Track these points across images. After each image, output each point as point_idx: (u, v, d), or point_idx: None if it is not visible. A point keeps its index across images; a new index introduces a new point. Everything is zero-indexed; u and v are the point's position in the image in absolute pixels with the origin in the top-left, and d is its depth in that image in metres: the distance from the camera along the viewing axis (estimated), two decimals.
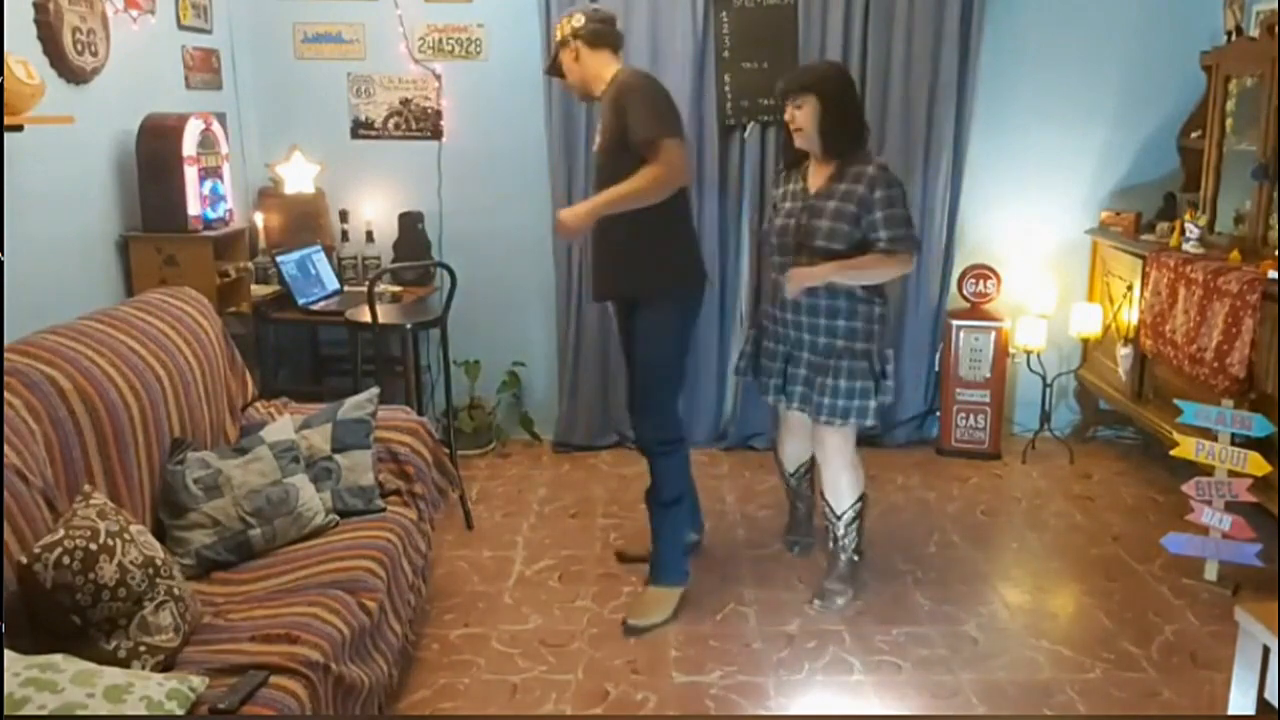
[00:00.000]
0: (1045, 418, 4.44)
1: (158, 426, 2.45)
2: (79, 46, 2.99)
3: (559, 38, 2.97)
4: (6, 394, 2.06)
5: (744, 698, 2.65)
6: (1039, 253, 4.49)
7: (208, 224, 3.38)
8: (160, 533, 2.35)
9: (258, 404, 3.09)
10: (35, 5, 2.83)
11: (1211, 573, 3.21)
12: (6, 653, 1.61)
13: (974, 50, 4.14)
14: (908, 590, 3.21)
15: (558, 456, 4.41)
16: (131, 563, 1.92)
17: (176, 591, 2.01)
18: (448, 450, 3.26)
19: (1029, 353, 4.36)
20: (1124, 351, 4.07)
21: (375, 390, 2.93)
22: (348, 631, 2.13)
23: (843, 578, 3.14)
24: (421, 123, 4.35)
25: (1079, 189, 4.44)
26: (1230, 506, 3.12)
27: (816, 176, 2.97)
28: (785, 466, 3.43)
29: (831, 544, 3.17)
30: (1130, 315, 4.02)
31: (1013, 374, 4.48)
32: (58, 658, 1.64)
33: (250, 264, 3.68)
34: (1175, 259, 3.64)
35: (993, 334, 4.29)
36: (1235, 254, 3.46)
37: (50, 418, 2.14)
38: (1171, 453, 3.31)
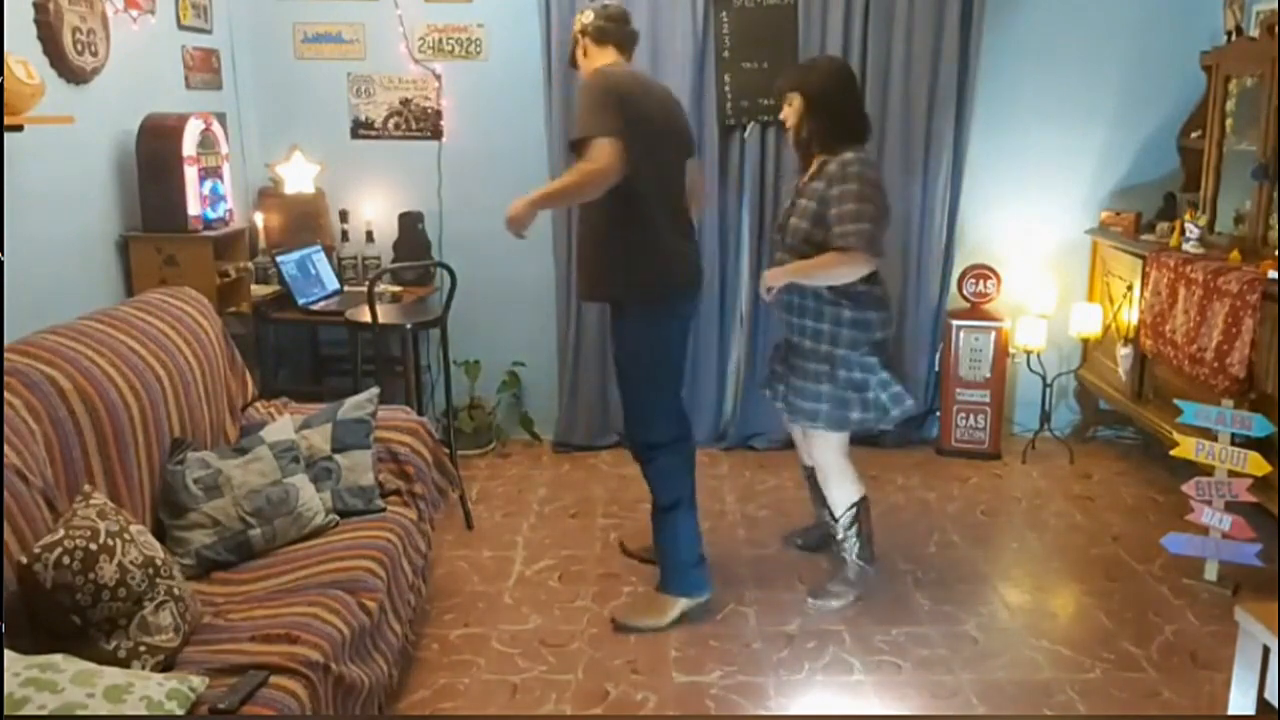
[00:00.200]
0: (1045, 418, 4.44)
1: (158, 426, 2.45)
2: (79, 46, 2.99)
3: (573, 32, 3.00)
4: (6, 394, 2.06)
5: (744, 698, 2.65)
6: (1039, 253, 4.49)
7: (208, 224, 3.38)
8: (160, 533, 2.35)
9: (258, 404, 3.09)
10: (35, 5, 2.83)
11: (1211, 573, 3.20)
12: (6, 653, 1.61)
13: (974, 50, 4.14)
14: (908, 590, 3.21)
15: (558, 456, 4.41)
16: (131, 563, 1.92)
17: (176, 591, 2.01)
18: (448, 450, 3.26)
19: (1029, 353, 4.36)
20: (1124, 351, 4.07)
21: (375, 390, 2.93)
22: (348, 631, 2.13)
23: (844, 580, 3.13)
24: (421, 123, 4.35)
25: (1079, 189, 4.44)
26: (1230, 506, 3.12)
27: (805, 174, 2.99)
28: (802, 461, 3.39)
29: (834, 546, 3.17)
30: (1130, 315, 4.02)
31: (1013, 374, 4.48)
32: (58, 658, 1.64)
33: (250, 264, 3.68)
34: (1175, 259, 3.64)
35: (993, 334, 4.29)
36: (1235, 254, 3.46)
37: (50, 418, 2.14)
38: (1171, 453, 3.31)
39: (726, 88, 4.17)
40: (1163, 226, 4.01)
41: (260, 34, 4.24)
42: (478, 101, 4.31)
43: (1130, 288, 4.03)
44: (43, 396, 2.14)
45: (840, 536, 3.11)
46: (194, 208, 3.30)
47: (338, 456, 2.73)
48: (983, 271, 4.33)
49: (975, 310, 4.35)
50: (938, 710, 2.61)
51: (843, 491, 3.07)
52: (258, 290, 3.73)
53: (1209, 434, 3.18)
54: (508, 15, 4.22)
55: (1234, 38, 3.87)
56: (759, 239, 4.30)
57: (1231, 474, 3.12)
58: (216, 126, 3.49)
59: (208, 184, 3.40)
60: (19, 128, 2.54)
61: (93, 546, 1.86)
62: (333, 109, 4.33)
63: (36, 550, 1.82)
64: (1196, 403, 3.19)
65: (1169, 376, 3.76)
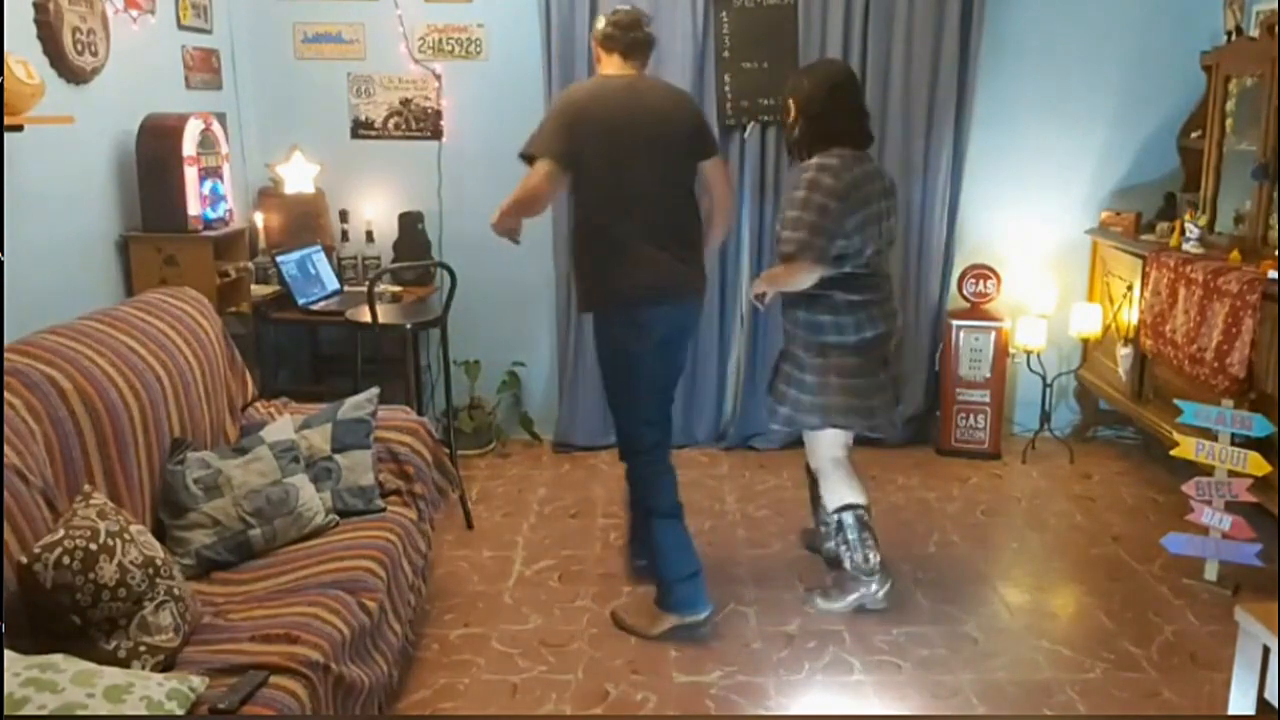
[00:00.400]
0: (1045, 418, 4.44)
1: (158, 426, 2.45)
2: (79, 46, 2.99)
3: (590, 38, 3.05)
4: (6, 394, 2.06)
5: (744, 698, 2.65)
6: (1039, 253, 4.49)
7: (208, 224, 3.38)
8: (160, 533, 2.35)
9: (258, 404, 3.09)
10: (35, 5, 2.83)
11: (1211, 573, 3.20)
12: (6, 653, 1.61)
13: (974, 50, 4.14)
14: (908, 590, 3.21)
15: (558, 456, 4.41)
16: (131, 563, 1.92)
17: (176, 591, 2.01)
18: (448, 450, 3.26)
19: (1029, 353, 4.36)
20: (1124, 351, 4.07)
21: (375, 390, 2.93)
22: (348, 631, 2.13)
23: (837, 582, 3.11)
24: (421, 123, 4.35)
25: (1079, 189, 4.44)
26: (1230, 506, 3.12)
27: None
28: (806, 460, 3.35)
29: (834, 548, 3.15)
30: (1130, 315, 4.02)
31: (1013, 374, 4.48)
32: (58, 658, 1.64)
33: (250, 264, 3.68)
34: (1175, 259, 3.64)
35: (993, 334, 4.29)
36: (1235, 254, 3.46)
37: (50, 418, 2.13)
38: (1171, 453, 3.31)
39: (726, 88, 4.17)
40: (1163, 226, 4.01)
41: (260, 34, 4.24)
42: (478, 101, 4.31)
43: (1130, 288, 4.03)
44: (43, 396, 2.14)
45: (830, 541, 3.10)
46: (194, 208, 3.30)
47: (338, 456, 2.73)
48: (983, 271, 4.33)
49: (975, 310, 4.35)
50: (938, 710, 2.61)
51: (831, 494, 3.05)
52: (258, 290, 3.73)
53: (1209, 434, 3.18)
54: (508, 15, 4.23)
55: (1234, 38, 3.87)
56: (759, 239, 4.30)
57: (1231, 474, 3.12)
58: (216, 126, 3.49)
59: (208, 184, 3.40)
60: (19, 128, 2.54)
61: (93, 546, 1.86)
62: (333, 109, 4.33)
63: (36, 550, 1.82)
64: (1196, 403, 3.19)
65: (1169, 376, 3.76)
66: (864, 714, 2.59)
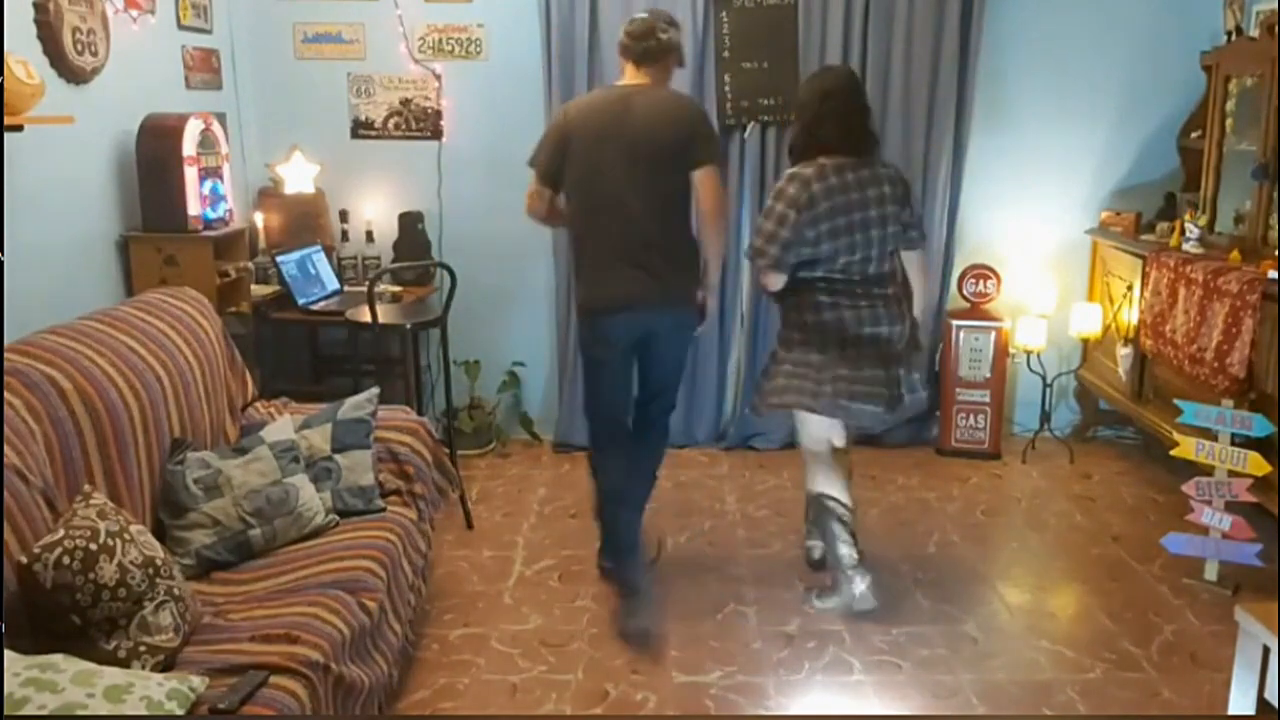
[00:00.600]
0: (1045, 418, 4.44)
1: (158, 426, 2.45)
2: (79, 46, 2.99)
3: None
4: (6, 394, 2.06)
5: (744, 698, 2.65)
6: (1039, 253, 4.49)
7: (208, 224, 3.38)
8: (160, 533, 2.35)
9: (258, 404, 3.09)
10: (35, 5, 2.83)
11: (1211, 573, 3.20)
12: (6, 653, 1.61)
13: (974, 50, 4.14)
14: (908, 590, 3.21)
15: (558, 456, 4.41)
16: (131, 563, 1.92)
17: (176, 591, 2.01)
18: (448, 450, 3.26)
19: (1029, 353, 4.36)
20: (1124, 351, 4.07)
21: (375, 390, 2.93)
22: (348, 631, 2.13)
23: (835, 582, 3.09)
24: (421, 123, 4.35)
25: (1079, 189, 4.44)
26: (1230, 506, 3.12)
27: None
28: None
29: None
30: (1130, 315, 4.02)
31: (1013, 374, 4.48)
32: (58, 658, 1.64)
33: (250, 264, 3.68)
34: (1175, 259, 3.64)
35: (993, 334, 4.30)
36: (1235, 254, 3.46)
37: (50, 418, 2.13)
38: (1171, 453, 3.31)
39: (726, 88, 4.17)
40: (1163, 226, 4.01)
41: (260, 34, 4.24)
42: (478, 101, 4.31)
43: (1130, 288, 4.03)
44: (43, 396, 2.14)
45: (808, 524, 3.22)
46: (194, 208, 3.30)
47: (338, 456, 2.73)
48: (983, 271, 4.33)
49: (975, 310, 4.35)
50: (938, 710, 2.61)
51: (809, 480, 3.13)
52: (258, 290, 3.72)
53: (1209, 434, 3.18)
54: (508, 15, 4.22)
55: (1234, 38, 3.87)
56: None
57: (1231, 474, 3.12)
58: (216, 126, 3.48)
59: (208, 184, 3.40)
60: (19, 128, 2.54)
61: (93, 546, 1.86)
62: (333, 109, 4.33)
63: (36, 550, 1.82)
64: (1196, 403, 3.19)
65: (1169, 376, 3.76)
66: (864, 714, 2.59)
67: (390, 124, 4.36)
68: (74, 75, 3.00)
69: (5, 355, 2.16)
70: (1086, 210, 4.45)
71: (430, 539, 2.93)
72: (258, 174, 4.27)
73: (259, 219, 4.13)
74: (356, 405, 2.85)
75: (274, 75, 4.28)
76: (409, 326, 3.54)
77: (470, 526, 3.66)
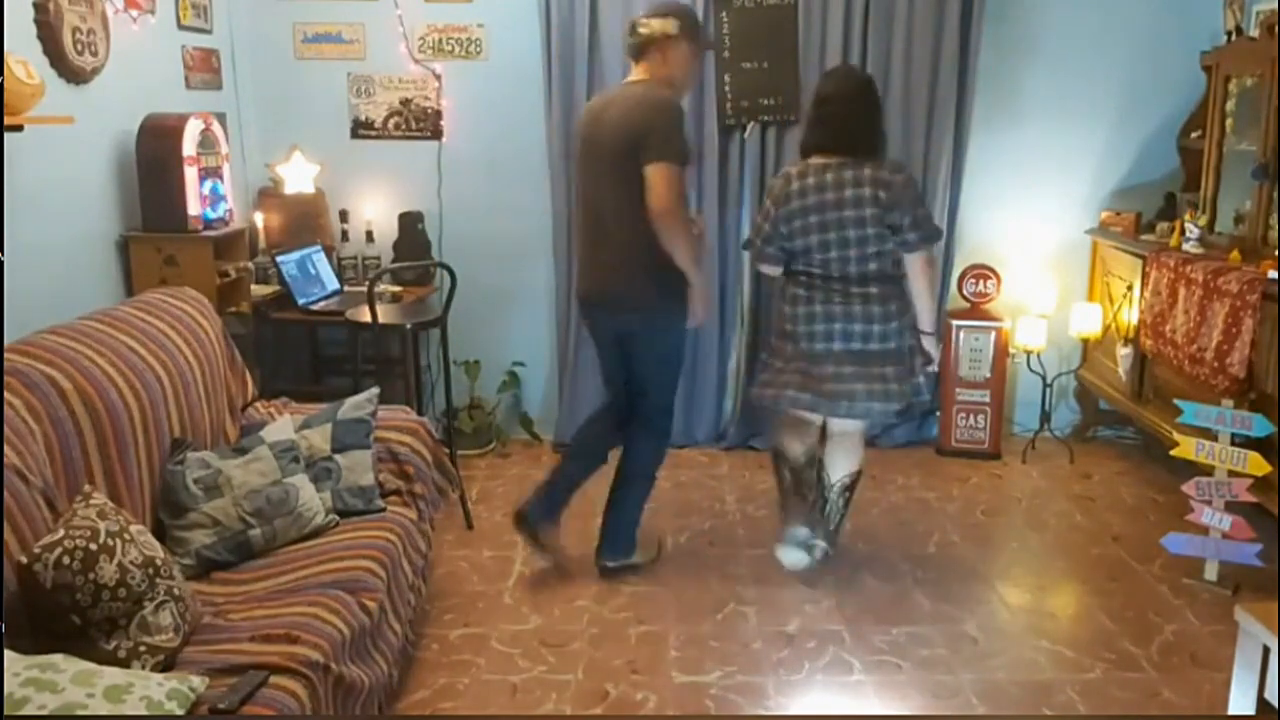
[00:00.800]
0: (1045, 418, 4.44)
1: (158, 426, 2.45)
2: (79, 46, 2.99)
3: None
4: (6, 394, 2.06)
5: (744, 698, 2.65)
6: (1039, 253, 4.49)
7: (208, 224, 3.38)
8: (160, 533, 2.35)
9: (258, 404, 3.09)
10: (35, 5, 2.83)
11: (1211, 573, 3.20)
12: (6, 653, 1.61)
13: (974, 50, 4.14)
14: (908, 590, 3.21)
15: (558, 456, 4.40)
16: (131, 563, 1.92)
17: (176, 591, 2.01)
18: (448, 450, 3.26)
19: (1029, 353, 4.36)
20: (1124, 351, 4.07)
21: (375, 390, 2.93)
22: (348, 631, 2.13)
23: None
24: (421, 123, 4.35)
25: (1079, 189, 4.44)
26: (1230, 506, 3.12)
27: None
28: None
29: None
30: (1130, 315, 4.02)
31: (1013, 374, 4.48)
32: (58, 658, 1.64)
33: (250, 264, 3.68)
34: (1175, 259, 3.64)
35: (993, 334, 4.30)
36: (1235, 254, 3.46)
37: (50, 418, 2.13)
38: (1171, 453, 3.31)
39: (726, 88, 4.17)
40: (1163, 226, 4.01)
41: (260, 34, 4.24)
42: (478, 101, 4.31)
43: (1130, 288, 4.03)
44: (43, 396, 2.14)
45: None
46: (194, 208, 3.30)
47: (338, 456, 2.73)
48: (983, 271, 4.33)
49: (975, 310, 4.35)
50: (938, 710, 2.61)
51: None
52: (258, 290, 3.72)
53: (1209, 434, 3.18)
54: (508, 15, 4.22)
55: (1234, 38, 3.87)
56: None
57: (1231, 474, 3.12)
58: (216, 126, 3.49)
59: (208, 184, 3.40)
60: (19, 128, 2.54)
61: (93, 546, 1.86)
62: (333, 109, 4.33)
63: (36, 550, 1.82)
64: (1196, 403, 3.19)
65: (1169, 376, 3.76)
66: (864, 714, 2.59)
67: (390, 124, 4.36)
68: (74, 75, 3.00)
69: (5, 355, 2.16)
70: (1086, 210, 4.45)
71: (430, 539, 2.93)
72: (258, 174, 4.27)
73: (259, 219, 4.13)
74: (356, 405, 2.85)
75: (274, 75, 4.28)
76: (409, 326, 3.54)
77: (470, 526, 3.66)
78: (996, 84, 4.28)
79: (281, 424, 2.76)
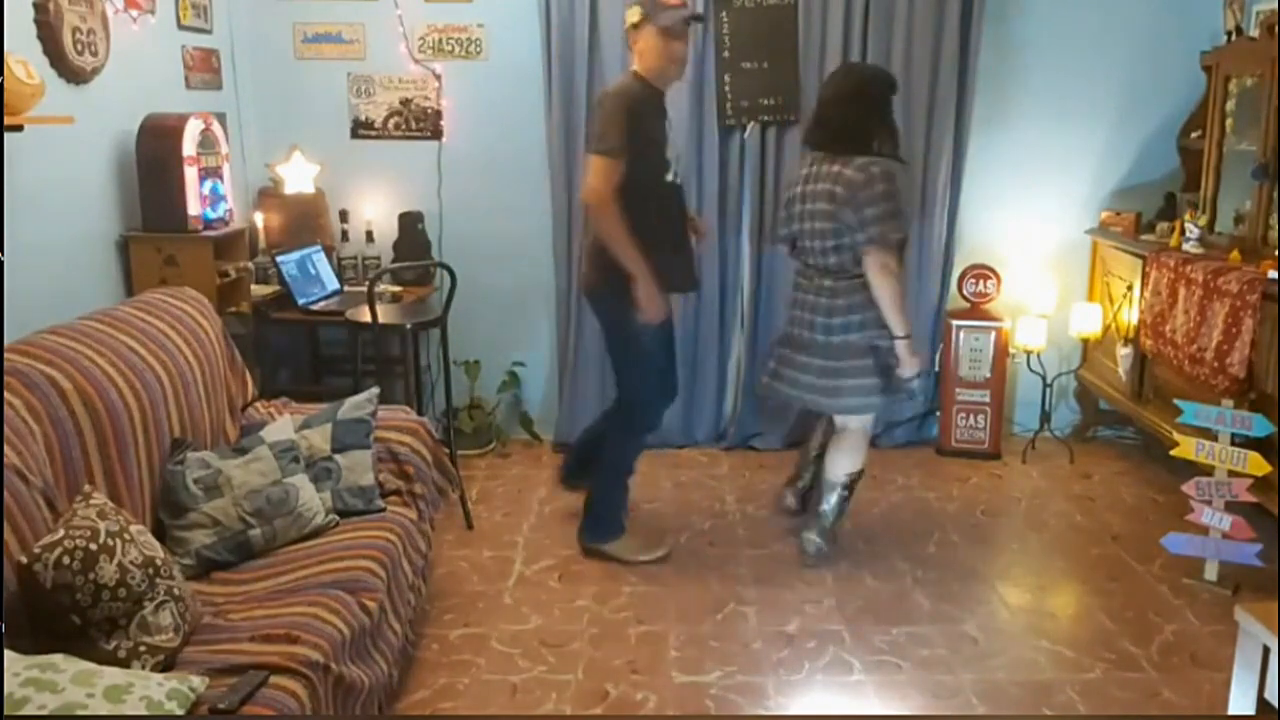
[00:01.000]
0: (1045, 418, 4.44)
1: (158, 426, 2.45)
2: (79, 46, 2.99)
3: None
4: (6, 394, 2.06)
5: (744, 698, 2.65)
6: (1039, 253, 4.49)
7: (208, 224, 3.38)
8: (160, 533, 2.35)
9: (258, 404, 3.09)
10: (35, 5, 2.83)
11: (1211, 573, 3.20)
12: (6, 653, 1.61)
13: (974, 50, 4.14)
14: (908, 590, 3.21)
15: (558, 456, 4.40)
16: (131, 563, 1.92)
17: (176, 591, 2.01)
18: (448, 450, 3.26)
19: (1029, 353, 4.36)
20: (1124, 351, 4.07)
21: (375, 390, 2.93)
22: (348, 631, 2.13)
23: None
24: (421, 123, 4.35)
25: (1079, 189, 4.44)
26: (1230, 506, 3.12)
27: None
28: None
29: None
30: (1130, 315, 4.02)
31: (1013, 374, 4.48)
32: (58, 658, 1.64)
33: (250, 264, 3.68)
34: (1175, 259, 3.64)
35: (993, 334, 4.29)
36: (1235, 254, 3.46)
37: (50, 418, 2.13)
38: (1171, 453, 3.31)
39: (726, 88, 4.17)
40: (1163, 226, 4.01)
41: (260, 34, 4.24)
42: (478, 101, 4.31)
43: (1130, 288, 4.03)
44: (43, 396, 2.14)
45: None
46: (194, 208, 3.30)
47: (338, 456, 2.73)
48: (983, 271, 4.33)
49: (975, 310, 4.35)
50: (938, 710, 2.61)
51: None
52: (258, 290, 3.72)
53: (1209, 434, 3.18)
54: (508, 15, 4.22)
55: (1234, 38, 3.87)
56: (759, 239, 4.30)
57: (1231, 474, 3.12)
58: (216, 126, 3.48)
59: (208, 184, 3.40)
60: (19, 128, 2.54)
61: (93, 546, 1.86)
62: (333, 109, 4.33)
63: (36, 550, 1.82)
64: (1196, 403, 3.19)
65: (1169, 376, 3.76)
66: (864, 714, 2.59)
67: (390, 124, 4.36)
68: (74, 75, 3.00)
69: (5, 355, 2.16)
70: (1086, 210, 4.45)
71: (430, 539, 2.93)
72: (258, 174, 4.27)
73: (259, 219, 4.13)
74: (356, 405, 2.85)
75: (274, 75, 4.28)
76: (409, 326, 3.54)
77: (470, 526, 3.66)
78: (996, 84, 4.28)
79: (281, 424, 2.76)
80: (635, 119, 2.96)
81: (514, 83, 4.26)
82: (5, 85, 2.43)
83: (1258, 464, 3.06)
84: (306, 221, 4.16)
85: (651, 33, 3.00)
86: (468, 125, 4.34)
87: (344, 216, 4.33)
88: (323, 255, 4.08)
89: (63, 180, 2.98)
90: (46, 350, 2.26)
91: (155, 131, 3.25)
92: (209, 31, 3.95)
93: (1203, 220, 3.76)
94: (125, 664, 1.85)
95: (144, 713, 1.62)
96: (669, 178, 3.14)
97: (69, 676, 1.60)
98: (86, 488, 2.07)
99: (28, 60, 2.56)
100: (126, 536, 1.95)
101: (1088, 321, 4.29)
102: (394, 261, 4.10)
